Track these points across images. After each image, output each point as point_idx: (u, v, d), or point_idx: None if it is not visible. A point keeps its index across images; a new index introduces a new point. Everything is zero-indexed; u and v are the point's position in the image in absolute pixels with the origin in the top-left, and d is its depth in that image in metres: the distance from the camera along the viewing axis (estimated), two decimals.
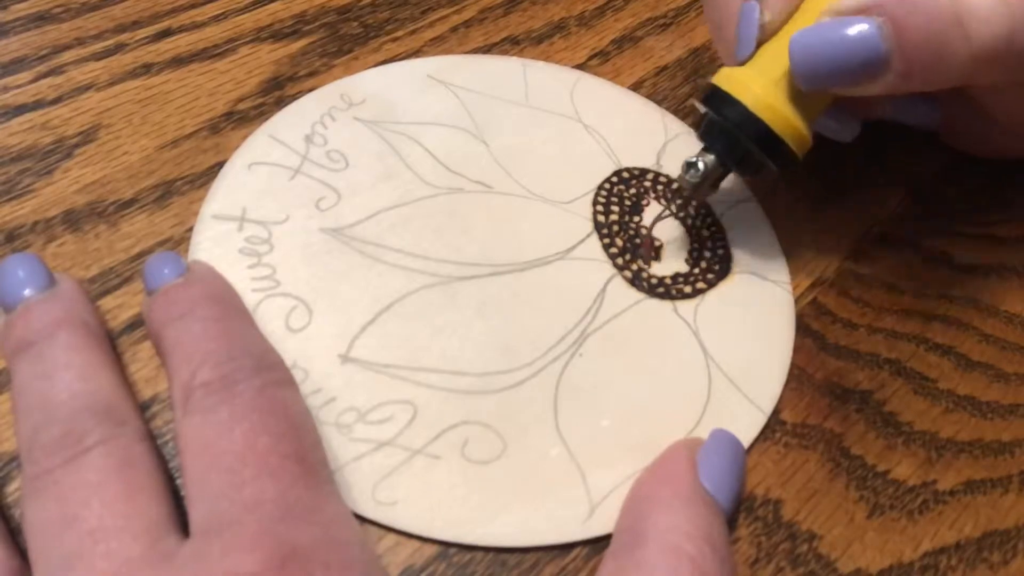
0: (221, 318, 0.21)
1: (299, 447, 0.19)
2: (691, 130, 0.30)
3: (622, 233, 0.27)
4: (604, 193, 0.28)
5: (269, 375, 0.20)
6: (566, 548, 0.21)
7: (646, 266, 0.26)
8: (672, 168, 0.29)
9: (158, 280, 0.21)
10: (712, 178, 0.25)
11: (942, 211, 0.30)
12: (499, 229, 0.26)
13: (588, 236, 0.27)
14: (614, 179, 0.28)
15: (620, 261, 0.26)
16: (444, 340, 0.24)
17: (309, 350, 0.23)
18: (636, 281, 0.26)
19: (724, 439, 0.22)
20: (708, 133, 0.25)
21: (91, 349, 0.20)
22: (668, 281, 0.26)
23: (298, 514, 0.18)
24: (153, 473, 0.19)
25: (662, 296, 0.26)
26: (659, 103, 0.31)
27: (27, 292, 0.20)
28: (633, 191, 0.28)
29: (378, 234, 0.25)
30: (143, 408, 0.22)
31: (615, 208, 0.28)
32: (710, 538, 0.19)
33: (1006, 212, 0.30)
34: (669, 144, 0.30)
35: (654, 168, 0.29)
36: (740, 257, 0.27)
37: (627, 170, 0.29)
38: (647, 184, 0.28)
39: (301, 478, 0.18)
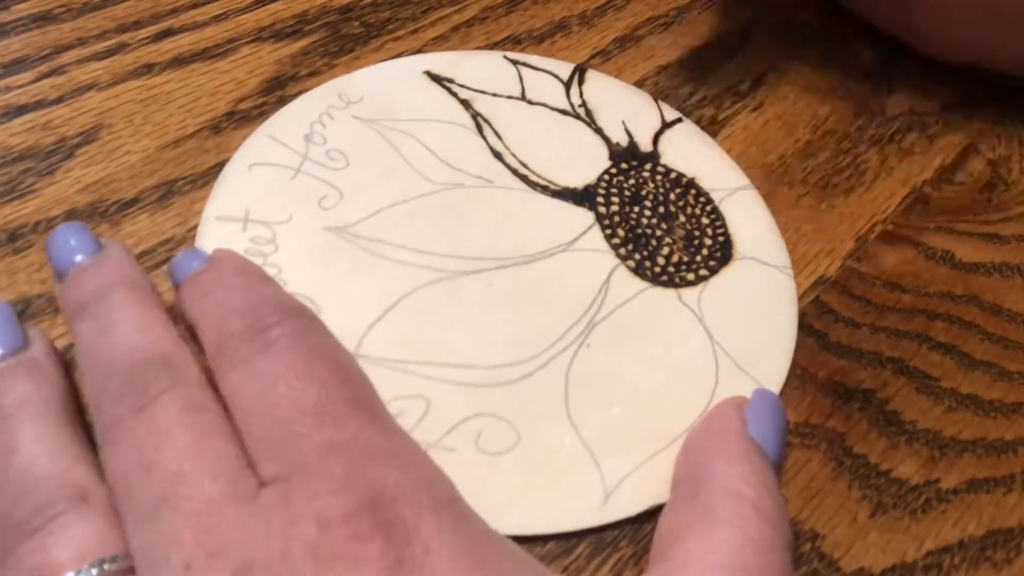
0: (242, 276, 0.22)
1: (353, 391, 0.19)
2: (688, 120, 0.30)
3: (623, 224, 0.27)
4: (604, 184, 0.28)
5: (299, 319, 0.20)
6: (570, 547, 0.21)
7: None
8: (670, 159, 0.29)
9: (186, 270, 0.22)
10: None
11: (945, 210, 0.30)
12: (501, 223, 0.26)
13: (590, 228, 0.27)
14: (613, 170, 0.28)
15: (623, 251, 0.26)
16: (452, 334, 0.24)
17: None
18: (639, 270, 0.26)
19: (767, 397, 0.22)
20: None
21: (144, 304, 0.21)
22: (671, 269, 0.26)
23: (377, 456, 0.18)
24: (221, 415, 0.19)
25: (665, 284, 0.26)
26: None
27: (78, 258, 0.21)
28: (632, 182, 0.28)
29: (382, 231, 0.26)
30: None
31: (615, 199, 0.28)
32: (767, 485, 0.20)
33: (1008, 211, 0.30)
34: (667, 134, 0.30)
35: (652, 158, 0.29)
36: (740, 243, 0.27)
37: (626, 161, 0.29)
38: (646, 175, 0.28)
39: (368, 421, 0.18)
